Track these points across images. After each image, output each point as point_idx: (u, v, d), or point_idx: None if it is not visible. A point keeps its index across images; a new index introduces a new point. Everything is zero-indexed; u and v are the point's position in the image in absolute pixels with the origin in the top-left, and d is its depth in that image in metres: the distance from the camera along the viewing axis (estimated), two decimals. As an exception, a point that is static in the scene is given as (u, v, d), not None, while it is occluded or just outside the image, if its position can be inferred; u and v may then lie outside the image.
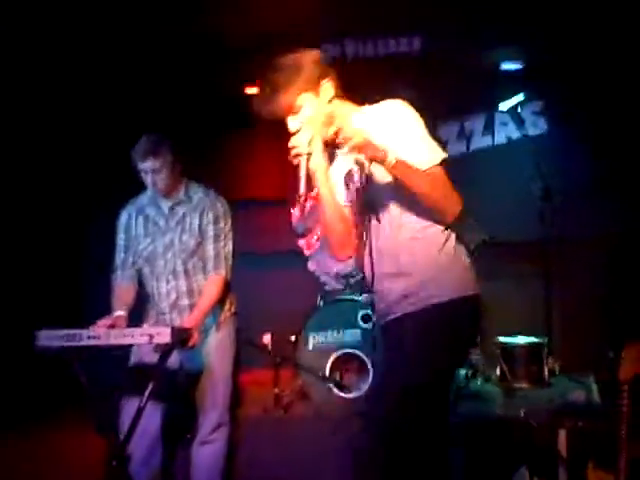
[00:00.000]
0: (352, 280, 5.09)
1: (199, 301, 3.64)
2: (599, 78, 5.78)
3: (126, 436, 3.20)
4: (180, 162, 3.68)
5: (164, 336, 3.09)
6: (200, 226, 3.69)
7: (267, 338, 4.56)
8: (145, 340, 3.10)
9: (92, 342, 3.11)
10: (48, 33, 5.21)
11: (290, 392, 4.67)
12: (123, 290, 3.73)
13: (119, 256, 3.80)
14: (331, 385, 4.65)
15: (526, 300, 5.65)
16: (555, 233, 5.32)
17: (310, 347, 4.74)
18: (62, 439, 4.78)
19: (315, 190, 6.90)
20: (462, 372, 5.12)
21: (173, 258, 3.70)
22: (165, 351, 3.28)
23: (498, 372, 5.07)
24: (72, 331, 3.12)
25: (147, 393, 3.22)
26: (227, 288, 3.82)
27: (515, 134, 6.18)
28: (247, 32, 5.55)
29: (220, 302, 3.79)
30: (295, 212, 6.56)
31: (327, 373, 4.69)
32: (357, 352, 4.69)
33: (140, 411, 3.23)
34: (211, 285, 3.67)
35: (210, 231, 3.69)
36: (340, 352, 4.71)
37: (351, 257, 4.95)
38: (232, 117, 6.47)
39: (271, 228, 6.56)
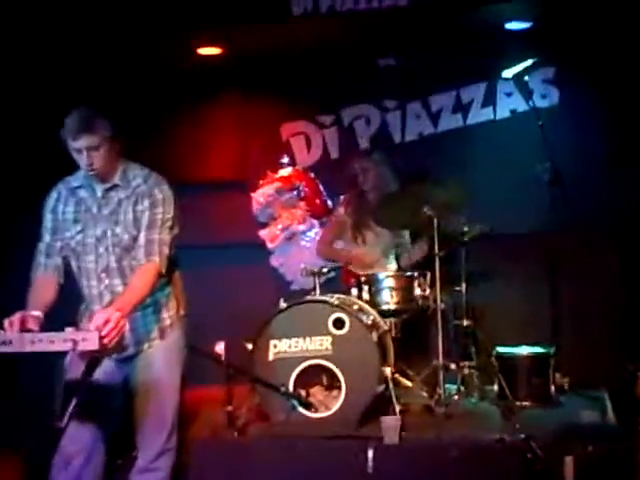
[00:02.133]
0: (323, 278, 5.08)
1: (125, 291, 3.55)
2: (619, 40, 5.82)
3: (46, 459, 3.22)
4: (118, 140, 3.66)
5: (91, 342, 3.07)
6: (134, 218, 3.65)
7: (220, 347, 4.52)
8: (68, 347, 3.07)
9: (3, 349, 3.09)
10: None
11: (246, 411, 4.66)
12: (44, 283, 3.67)
13: (44, 240, 3.75)
14: (295, 403, 4.65)
15: (530, 303, 5.68)
16: (565, 224, 5.29)
17: (270, 357, 4.72)
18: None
19: (283, 170, 6.84)
20: (452, 388, 5.13)
21: (106, 253, 3.67)
22: (92, 360, 3.29)
23: (496, 388, 5.09)
24: (-19, 335, 3.10)
25: (69, 411, 3.21)
26: (176, 286, 3.86)
27: (521, 106, 6.19)
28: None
29: (165, 303, 3.82)
30: (257, 196, 6.49)
31: (290, 388, 4.69)
32: (327, 363, 4.69)
33: (61, 432, 3.24)
34: (140, 274, 3.58)
35: (145, 219, 3.64)
36: (306, 363, 4.72)
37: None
38: (182, 86, 6.44)
39: (227, 216, 6.52)
